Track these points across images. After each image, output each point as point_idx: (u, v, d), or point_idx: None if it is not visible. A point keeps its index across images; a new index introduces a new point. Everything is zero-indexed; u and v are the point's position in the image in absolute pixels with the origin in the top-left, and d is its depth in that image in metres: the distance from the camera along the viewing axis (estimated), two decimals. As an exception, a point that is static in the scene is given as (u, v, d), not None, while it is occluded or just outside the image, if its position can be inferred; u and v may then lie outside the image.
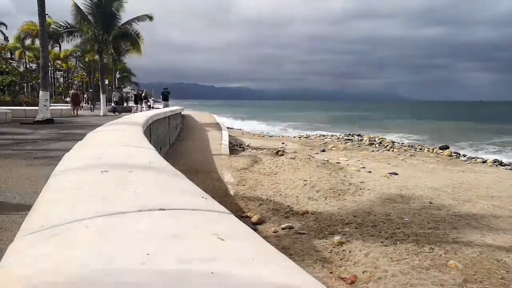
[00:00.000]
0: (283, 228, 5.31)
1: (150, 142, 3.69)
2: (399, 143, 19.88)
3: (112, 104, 28.39)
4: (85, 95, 35.29)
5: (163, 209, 1.30)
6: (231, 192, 7.08)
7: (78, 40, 26.69)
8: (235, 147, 13.67)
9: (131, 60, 47.32)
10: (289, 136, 23.77)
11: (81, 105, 27.99)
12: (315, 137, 22.94)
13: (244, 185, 7.73)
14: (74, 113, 21.99)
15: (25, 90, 36.88)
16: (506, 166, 13.25)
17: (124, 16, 26.15)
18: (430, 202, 6.78)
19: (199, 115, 27.55)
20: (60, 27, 25.97)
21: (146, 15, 26.19)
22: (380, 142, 19.74)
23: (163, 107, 21.19)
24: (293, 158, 11.19)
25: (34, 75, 39.06)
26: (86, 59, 43.75)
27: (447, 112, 79.25)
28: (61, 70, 59.40)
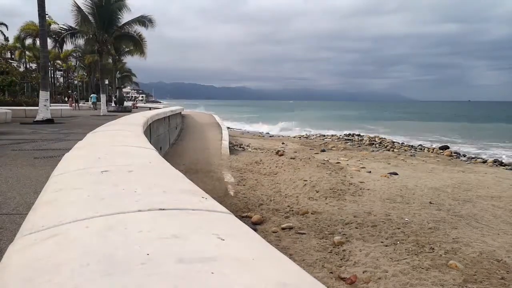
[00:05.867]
0: (283, 228, 5.31)
1: (150, 142, 3.69)
2: (399, 143, 19.88)
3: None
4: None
5: (163, 209, 1.30)
6: (231, 192, 7.08)
7: (79, 41, 26.80)
8: (235, 147, 13.68)
9: (131, 60, 47.43)
10: (289, 136, 23.77)
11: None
12: (315, 137, 22.94)
13: (244, 185, 7.73)
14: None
15: (25, 90, 36.89)
16: (506, 166, 13.25)
17: (128, 15, 26.14)
18: (430, 202, 6.78)
19: (199, 115, 27.56)
20: (62, 31, 26.02)
21: (146, 18, 26.11)
22: (380, 142, 19.75)
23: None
24: (293, 158, 11.20)
25: (34, 75, 39.10)
26: (86, 61, 43.85)
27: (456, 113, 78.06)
28: (61, 70, 59.44)
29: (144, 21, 26.13)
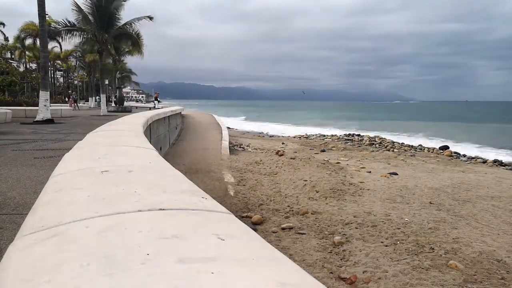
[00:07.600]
0: (283, 228, 5.31)
1: (150, 142, 3.69)
2: (399, 143, 19.88)
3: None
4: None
5: (163, 209, 1.30)
6: (231, 192, 7.08)
7: (77, 39, 26.73)
8: (235, 147, 13.68)
9: (131, 60, 47.48)
10: (289, 136, 23.77)
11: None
12: (315, 137, 22.94)
13: (244, 185, 7.73)
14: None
15: (25, 90, 36.89)
16: (506, 166, 13.26)
17: (125, 14, 26.19)
18: (430, 202, 6.78)
19: (199, 115, 27.58)
20: (59, 25, 25.97)
21: (146, 16, 26.18)
22: (380, 142, 19.75)
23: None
24: (293, 158, 11.19)
25: (34, 75, 39.11)
26: (86, 59, 43.88)
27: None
28: (61, 70, 59.43)
29: (142, 18, 26.17)
